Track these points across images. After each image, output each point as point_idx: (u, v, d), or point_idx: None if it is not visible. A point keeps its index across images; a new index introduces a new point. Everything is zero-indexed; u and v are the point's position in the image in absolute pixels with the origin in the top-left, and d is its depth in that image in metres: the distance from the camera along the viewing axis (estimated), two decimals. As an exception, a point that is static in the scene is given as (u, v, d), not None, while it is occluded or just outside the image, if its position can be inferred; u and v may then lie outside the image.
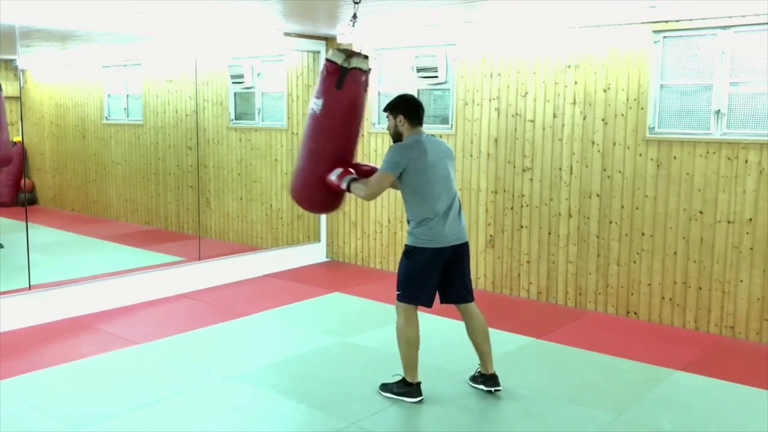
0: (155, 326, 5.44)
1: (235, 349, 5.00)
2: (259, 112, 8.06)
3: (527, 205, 6.25)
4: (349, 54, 3.87)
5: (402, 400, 4.02)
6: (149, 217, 9.19)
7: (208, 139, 8.42)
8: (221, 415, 3.88)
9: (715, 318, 5.38)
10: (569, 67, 5.90)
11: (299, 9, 5.70)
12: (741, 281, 5.24)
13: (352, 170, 4.05)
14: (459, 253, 4.04)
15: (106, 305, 5.85)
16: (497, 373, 4.17)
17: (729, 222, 5.26)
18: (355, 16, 4.23)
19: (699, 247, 5.41)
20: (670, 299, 5.57)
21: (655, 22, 5.41)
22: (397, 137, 4.05)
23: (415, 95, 6.84)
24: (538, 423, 3.80)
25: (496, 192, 6.43)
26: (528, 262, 6.30)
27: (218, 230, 8.49)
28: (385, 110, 4.09)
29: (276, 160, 7.96)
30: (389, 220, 7.23)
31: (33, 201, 10.60)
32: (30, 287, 5.52)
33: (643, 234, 5.66)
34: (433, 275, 3.98)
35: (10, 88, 8.80)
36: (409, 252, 3.98)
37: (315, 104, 3.95)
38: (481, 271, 6.60)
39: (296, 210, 7.86)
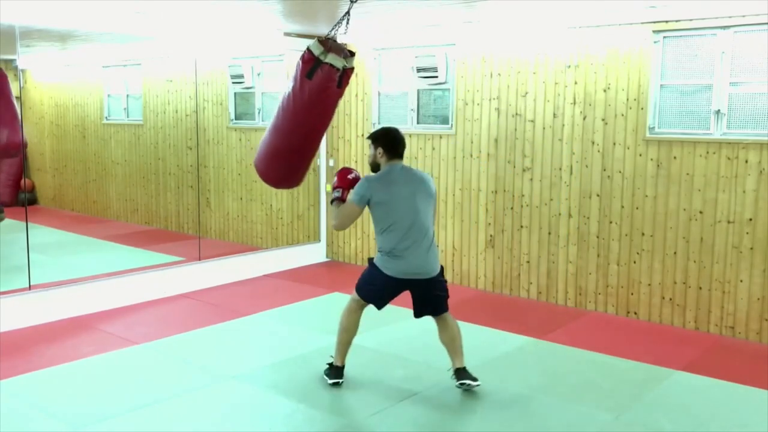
0: (155, 326, 5.44)
1: (235, 349, 5.00)
2: (259, 112, 8.06)
3: (527, 205, 6.25)
4: (329, 48, 3.73)
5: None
6: (149, 217, 9.18)
7: (208, 139, 8.41)
8: (221, 415, 3.88)
9: (715, 318, 5.38)
10: (569, 67, 5.90)
11: (299, 9, 5.69)
12: (741, 281, 5.24)
13: (347, 182, 4.21)
14: (423, 287, 4.11)
15: (106, 305, 5.85)
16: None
17: (729, 222, 5.26)
18: (347, 14, 4.03)
19: (699, 247, 5.41)
20: (670, 299, 5.57)
21: (655, 22, 5.41)
22: (374, 167, 4.21)
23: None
24: (538, 423, 3.80)
25: (496, 192, 6.43)
26: (528, 262, 6.30)
27: (218, 230, 8.48)
28: (368, 138, 4.25)
29: (276, 160, 7.94)
30: (389, 220, 7.22)
31: (33, 201, 10.58)
32: (30, 287, 5.52)
33: (643, 234, 5.66)
34: (386, 294, 4.15)
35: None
36: (372, 264, 4.16)
37: (287, 86, 3.97)
38: (481, 271, 6.60)
39: (296, 210, 7.87)
